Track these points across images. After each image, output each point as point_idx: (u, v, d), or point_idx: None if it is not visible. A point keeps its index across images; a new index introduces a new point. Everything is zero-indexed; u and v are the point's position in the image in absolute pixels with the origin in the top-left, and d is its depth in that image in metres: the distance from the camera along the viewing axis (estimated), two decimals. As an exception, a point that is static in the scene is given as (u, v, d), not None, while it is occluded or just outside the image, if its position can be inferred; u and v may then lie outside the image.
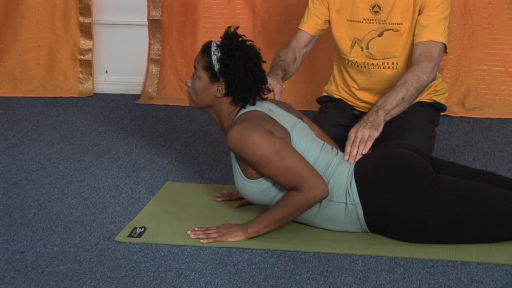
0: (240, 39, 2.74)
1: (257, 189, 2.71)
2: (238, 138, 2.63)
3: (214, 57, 2.71)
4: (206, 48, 2.75)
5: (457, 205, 2.59)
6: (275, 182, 2.69)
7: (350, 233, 2.75)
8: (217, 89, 2.74)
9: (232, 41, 2.72)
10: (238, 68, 2.69)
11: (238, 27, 2.78)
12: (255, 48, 2.76)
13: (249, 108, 2.76)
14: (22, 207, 3.07)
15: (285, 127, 2.73)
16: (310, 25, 3.30)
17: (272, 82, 3.01)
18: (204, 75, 2.75)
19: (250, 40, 2.76)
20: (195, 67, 2.78)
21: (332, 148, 2.81)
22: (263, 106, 2.78)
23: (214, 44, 2.74)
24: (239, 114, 2.75)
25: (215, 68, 2.71)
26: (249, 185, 2.71)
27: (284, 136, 2.70)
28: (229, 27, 2.77)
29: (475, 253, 2.60)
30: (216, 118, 2.82)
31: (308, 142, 2.74)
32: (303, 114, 2.95)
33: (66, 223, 2.92)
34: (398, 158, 2.70)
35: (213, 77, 2.73)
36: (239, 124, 2.67)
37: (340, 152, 2.81)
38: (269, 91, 3.00)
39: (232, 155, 2.74)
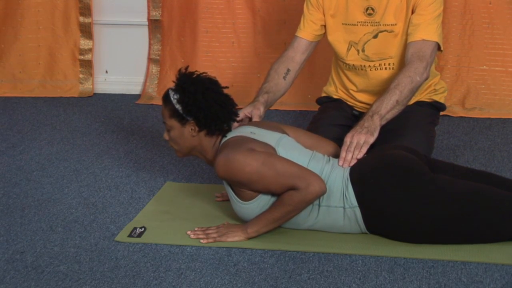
0: (194, 75, 2.78)
1: (254, 209, 2.71)
2: (224, 164, 2.65)
3: (174, 101, 2.75)
4: (166, 97, 2.80)
5: (455, 206, 2.59)
6: (272, 196, 2.69)
7: (350, 233, 2.75)
8: (191, 129, 2.78)
9: (185, 79, 2.77)
10: (199, 100, 2.73)
11: (188, 66, 2.83)
12: (210, 77, 2.80)
13: (230, 135, 2.79)
14: (22, 207, 3.07)
15: (270, 144, 2.74)
16: (307, 32, 3.29)
17: (249, 110, 3.04)
18: (174, 123, 2.79)
19: (204, 72, 2.81)
20: (164, 122, 2.82)
21: (324, 156, 2.81)
22: (244, 131, 2.82)
23: (170, 91, 2.78)
24: (221, 144, 2.78)
25: (180, 111, 2.75)
26: (246, 207, 2.72)
27: (269, 150, 2.71)
28: (180, 69, 2.81)
29: (475, 253, 2.60)
30: (203, 157, 2.86)
31: (295, 154, 2.75)
32: (289, 126, 2.95)
33: (66, 223, 2.92)
34: (393, 160, 2.70)
35: (182, 120, 2.77)
36: (221, 151, 2.71)
37: (332, 159, 2.81)
38: (250, 119, 3.02)
39: (225, 183, 2.75)
